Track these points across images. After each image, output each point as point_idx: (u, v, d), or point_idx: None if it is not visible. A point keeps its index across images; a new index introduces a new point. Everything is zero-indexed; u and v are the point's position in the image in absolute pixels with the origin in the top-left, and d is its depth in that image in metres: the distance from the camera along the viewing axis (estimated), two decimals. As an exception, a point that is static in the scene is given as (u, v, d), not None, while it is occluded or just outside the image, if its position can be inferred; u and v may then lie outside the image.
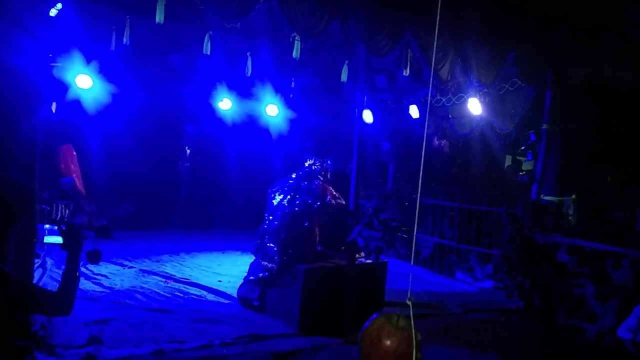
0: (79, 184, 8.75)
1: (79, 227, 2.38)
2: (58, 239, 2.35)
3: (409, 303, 1.68)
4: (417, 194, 9.72)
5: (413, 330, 1.63)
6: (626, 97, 7.89)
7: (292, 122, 10.72)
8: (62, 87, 7.30)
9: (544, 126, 7.71)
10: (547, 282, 6.89)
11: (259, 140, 11.25)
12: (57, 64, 6.52)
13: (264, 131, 10.89)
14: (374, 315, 1.74)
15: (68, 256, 2.34)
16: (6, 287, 2.03)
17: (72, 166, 8.72)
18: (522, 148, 10.24)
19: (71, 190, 8.46)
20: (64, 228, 2.35)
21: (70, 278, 2.30)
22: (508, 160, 12.95)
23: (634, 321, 5.29)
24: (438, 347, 5.28)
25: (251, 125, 10.84)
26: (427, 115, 9.42)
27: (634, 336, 5.27)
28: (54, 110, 6.79)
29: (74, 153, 8.84)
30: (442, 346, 5.35)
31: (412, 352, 1.60)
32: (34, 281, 5.24)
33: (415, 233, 1.97)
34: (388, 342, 1.63)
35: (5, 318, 2.09)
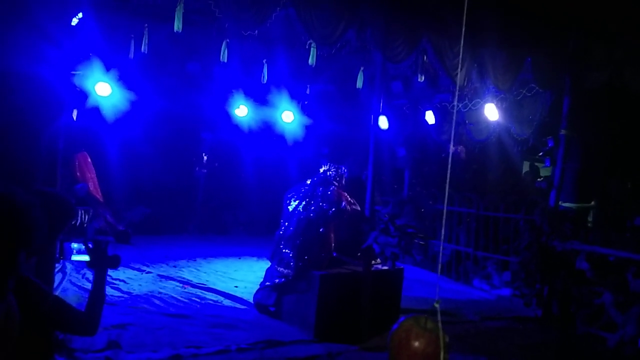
0: (94, 190, 8.86)
1: (105, 246, 2.42)
2: (85, 257, 2.39)
3: (437, 306, 1.70)
4: (433, 201, 9.70)
5: (441, 332, 1.65)
6: (646, 101, 7.78)
7: (307, 129, 10.77)
8: (82, 95, 7.43)
9: (562, 132, 7.62)
10: (566, 290, 6.79)
11: (274, 146, 11.31)
12: (78, 72, 6.64)
13: (280, 137, 10.95)
14: (402, 318, 1.77)
15: (95, 274, 2.38)
16: (41, 304, 2.06)
17: (88, 174, 8.84)
18: (540, 154, 10.11)
19: (86, 196, 8.60)
20: (90, 246, 2.39)
21: (97, 297, 2.33)
22: (526, 167, 12.82)
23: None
24: (454, 355, 5.22)
25: (267, 131, 10.91)
26: (453, 122, 9.38)
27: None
28: (74, 118, 6.91)
29: (89, 160, 8.97)
30: (459, 354, 5.29)
31: (440, 353, 1.62)
32: (54, 286, 5.32)
33: (442, 241, 1.98)
34: (416, 344, 1.65)
35: (40, 336, 2.11)
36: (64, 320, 2.20)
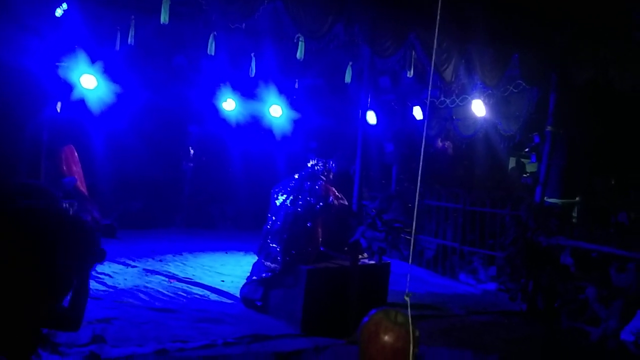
0: (80, 184, 8.77)
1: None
2: None
3: (407, 299, 1.69)
4: (420, 196, 9.73)
5: (411, 327, 1.63)
6: (631, 100, 7.86)
7: (295, 123, 10.74)
8: (67, 87, 7.33)
9: (548, 128, 7.68)
10: (551, 285, 6.87)
11: (262, 140, 11.27)
12: (62, 64, 6.55)
13: (268, 132, 10.91)
14: (373, 311, 1.75)
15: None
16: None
17: (74, 167, 8.73)
18: (526, 150, 10.21)
19: (73, 190, 8.50)
20: None
21: (81, 292, 2.30)
22: (512, 162, 12.91)
23: (638, 324, 5.27)
24: (440, 349, 5.27)
25: (255, 125, 10.87)
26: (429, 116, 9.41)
27: (637, 339, 5.25)
28: (58, 110, 6.82)
29: (75, 154, 8.86)
30: (444, 348, 5.34)
31: (410, 348, 1.60)
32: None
33: (413, 235, 1.98)
34: (386, 338, 1.64)
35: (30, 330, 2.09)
36: (49, 316, 2.17)
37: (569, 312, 6.51)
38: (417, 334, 1.63)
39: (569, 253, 6.87)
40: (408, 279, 1.76)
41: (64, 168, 8.43)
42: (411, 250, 9.04)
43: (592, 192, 9.18)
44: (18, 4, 3.75)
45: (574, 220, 8.41)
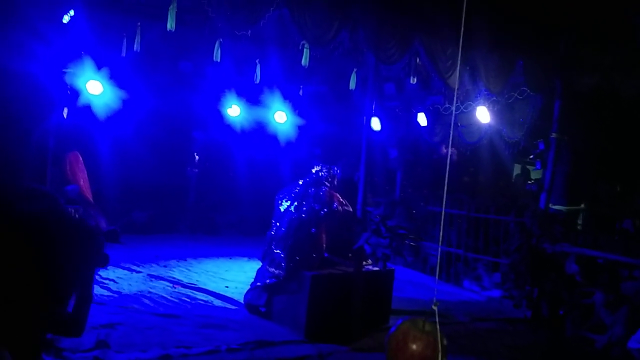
0: (85, 190, 8.81)
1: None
2: None
3: (435, 308, 1.70)
4: (425, 202, 9.73)
5: (439, 335, 1.64)
6: (635, 106, 7.85)
7: (300, 129, 10.77)
8: (74, 93, 7.38)
9: (553, 135, 7.68)
10: (556, 292, 6.83)
11: (267, 147, 11.30)
12: (69, 70, 6.60)
13: (272, 138, 10.94)
14: (400, 320, 1.76)
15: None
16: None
17: (79, 173, 8.79)
18: (531, 157, 10.21)
19: (77, 197, 8.54)
20: None
21: (85, 298, 2.30)
22: (517, 169, 12.90)
23: (645, 332, 5.24)
24: (445, 356, 5.25)
25: (259, 132, 10.90)
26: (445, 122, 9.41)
27: (644, 348, 5.22)
28: (65, 116, 6.87)
29: (80, 159, 8.92)
30: (449, 355, 5.31)
31: (438, 356, 1.61)
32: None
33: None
34: (414, 346, 1.65)
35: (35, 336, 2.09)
36: (52, 321, 2.17)
37: (574, 319, 6.47)
38: (445, 342, 1.64)
39: (574, 260, 6.84)
40: (435, 292, 1.77)
41: (69, 174, 8.49)
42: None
43: (597, 199, 9.15)
44: (27, 10, 3.79)
45: (578, 227, 8.39)
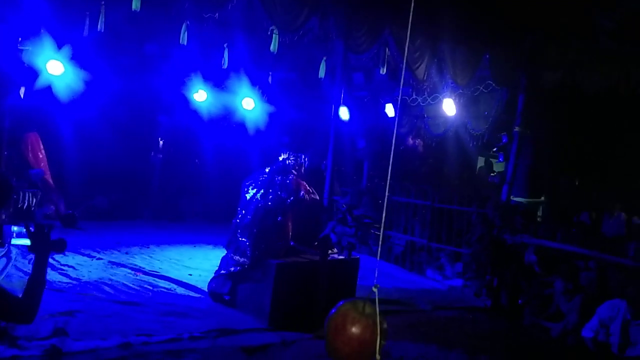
0: (45, 173, 8.52)
1: (49, 229, 2.31)
2: (26, 241, 2.27)
3: (375, 290, 1.69)
4: (390, 192, 9.80)
5: (378, 318, 1.63)
6: (596, 102, 8.08)
7: (269, 117, 10.66)
8: (31, 72, 7.08)
9: (516, 129, 7.83)
10: (515, 282, 7.03)
11: (234, 133, 11.14)
12: (25, 48, 6.32)
13: (240, 125, 10.79)
14: (341, 302, 1.74)
15: (35, 260, 2.26)
16: None
17: (40, 155, 8.48)
18: (494, 149, 10.41)
19: (41, 182, 8.26)
20: (32, 230, 2.28)
21: (37, 284, 2.22)
22: (480, 162, 13.13)
23: (596, 321, 5.44)
24: (406, 343, 5.34)
25: (227, 118, 10.73)
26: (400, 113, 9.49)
27: (595, 335, 5.42)
28: (22, 96, 6.59)
29: (40, 142, 8.61)
30: (411, 342, 5.40)
31: (377, 339, 1.60)
32: (-3, 271, 5.10)
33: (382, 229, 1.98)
34: (353, 329, 1.63)
35: None
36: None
37: (532, 308, 6.68)
38: (384, 325, 1.63)
39: (533, 251, 7.04)
40: (376, 274, 1.77)
41: (30, 155, 8.18)
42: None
43: (556, 192, 9.42)
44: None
45: (538, 219, 8.63)
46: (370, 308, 1.68)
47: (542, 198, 8.90)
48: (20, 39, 4.72)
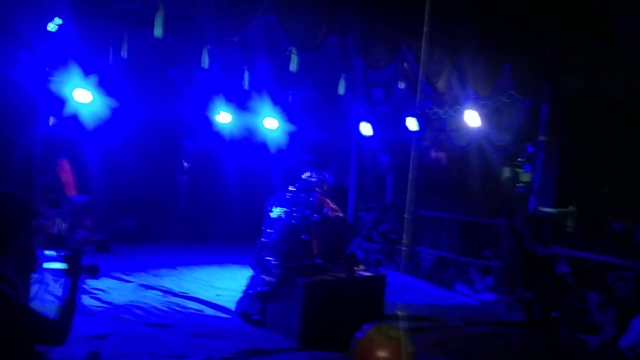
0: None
1: (81, 253, 2.35)
2: (58, 265, 2.32)
3: (400, 314, 1.67)
4: (416, 206, 9.74)
5: (404, 342, 1.62)
6: (621, 107, 7.93)
7: (290, 135, 10.74)
8: (60, 101, 7.30)
9: (541, 138, 7.74)
10: (548, 294, 6.86)
11: (257, 153, 11.24)
12: (54, 78, 6.52)
13: (262, 144, 10.89)
14: (367, 326, 1.73)
15: (69, 283, 2.31)
16: (8, 311, 2.00)
17: (71, 180, 8.70)
18: (520, 160, 10.27)
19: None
20: (67, 254, 2.33)
21: (69, 306, 2.25)
22: (506, 172, 12.96)
23: (634, 332, 5.26)
24: (438, 360, 5.24)
25: (249, 138, 10.85)
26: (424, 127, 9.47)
27: (634, 347, 5.24)
28: (51, 124, 6.78)
29: (69, 167, 8.83)
30: (442, 359, 5.30)
31: None
32: (32, 295, 5.20)
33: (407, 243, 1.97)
34: (379, 353, 1.62)
35: (17, 348, 2.05)
36: (31, 329, 2.13)
37: (567, 321, 6.49)
38: (411, 349, 1.61)
39: (565, 262, 6.87)
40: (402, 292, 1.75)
41: (65, 182, 8.41)
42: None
43: (586, 200, 9.21)
44: (11, 17, 3.75)
45: (568, 229, 8.43)
46: (396, 331, 1.67)
47: (571, 207, 8.71)
48: (49, 69, 4.90)
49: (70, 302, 2.27)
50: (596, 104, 8.08)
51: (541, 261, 6.99)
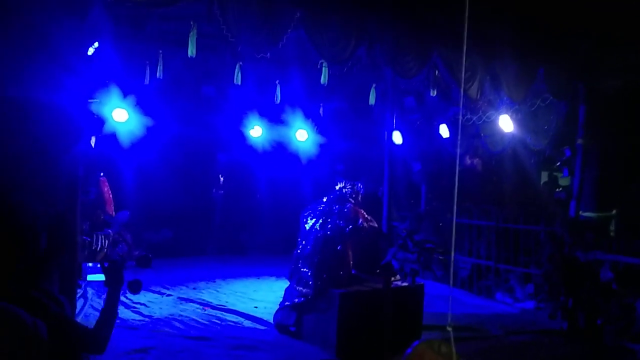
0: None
1: (121, 265, 2.44)
2: (100, 277, 2.41)
3: (449, 329, 1.66)
4: (451, 214, 9.60)
5: (454, 357, 1.61)
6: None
7: (322, 147, 10.81)
8: (100, 121, 7.57)
9: (579, 141, 7.54)
10: (591, 301, 6.64)
11: (289, 165, 11.36)
12: (95, 100, 6.77)
13: (294, 156, 11.00)
14: (416, 342, 1.73)
15: (108, 293, 2.39)
16: (54, 328, 2.07)
17: (110, 197, 8.98)
18: (558, 164, 10.02)
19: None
20: (106, 265, 2.42)
21: (109, 316, 2.33)
22: (544, 177, 12.67)
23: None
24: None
25: (281, 151, 10.97)
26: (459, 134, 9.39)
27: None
28: (93, 145, 7.04)
29: (107, 184, 9.12)
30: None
31: None
32: (77, 311, 5.37)
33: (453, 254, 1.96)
34: None
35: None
36: (72, 339, 2.19)
37: (614, 329, 6.27)
38: None
39: (609, 267, 6.65)
40: (450, 314, 1.74)
41: (107, 198, 8.70)
42: (456, 271, 8.88)
43: (628, 203, 8.91)
44: (58, 42, 3.93)
45: (611, 233, 8.17)
46: (446, 347, 1.66)
47: (614, 211, 8.43)
48: (90, 91, 5.12)
49: (109, 312, 2.34)
50: (634, 103, 7.83)
51: (584, 267, 6.78)
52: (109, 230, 8.31)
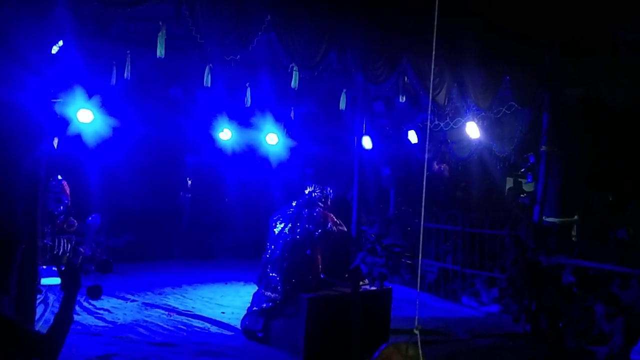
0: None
1: (78, 268, 2.36)
2: (56, 280, 2.32)
3: (417, 332, 1.66)
4: (419, 219, 9.72)
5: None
6: (622, 115, 7.94)
7: (292, 151, 10.79)
8: (64, 122, 7.37)
9: (543, 148, 7.74)
10: (554, 305, 6.81)
11: (259, 169, 11.29)
12: (59, 100, 6.59)
13: (264, 160, 10.94)
14: (383, 346, 1.72)
15: (64, 298, 2.30)
16: (8, 331, 2.00)
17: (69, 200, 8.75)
18: (522, 170, 10.27)
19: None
20: (62, 268, 2.33)
21: (63, 321, 2.23)
22: (509, 183, 12.95)
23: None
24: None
25: (251, 154, 10.91)
26: (427, 139, 9.51)
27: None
28: (55, 146, 6.84)
29: (67, 186, 8.89)
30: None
31: None
32: (37, 317, 5.19)
33: (420, 258, 1.97)
34: None
35: None
36: (21, 344, 2.11)
37: (574, 331, 6.43)
38: None
39: (570, 271, 6.83)
40: (417, 316, 1.75)
41: (67, 202, 8.47)
42: (424, 275, 8.98)
43: (590, 209, 9.18)
44: (18, 41, 3.81)
45: (573, 238, 8.40)
46: (413, 350, 1.66)
47: (576, 217, 8.68)
48: (53, 91, 4.96)
49: (63, 316, 2.25)
50: (597, 111, 8.08)
51: (546, 271, 6.95)
52: (73, 235, 8.10)
